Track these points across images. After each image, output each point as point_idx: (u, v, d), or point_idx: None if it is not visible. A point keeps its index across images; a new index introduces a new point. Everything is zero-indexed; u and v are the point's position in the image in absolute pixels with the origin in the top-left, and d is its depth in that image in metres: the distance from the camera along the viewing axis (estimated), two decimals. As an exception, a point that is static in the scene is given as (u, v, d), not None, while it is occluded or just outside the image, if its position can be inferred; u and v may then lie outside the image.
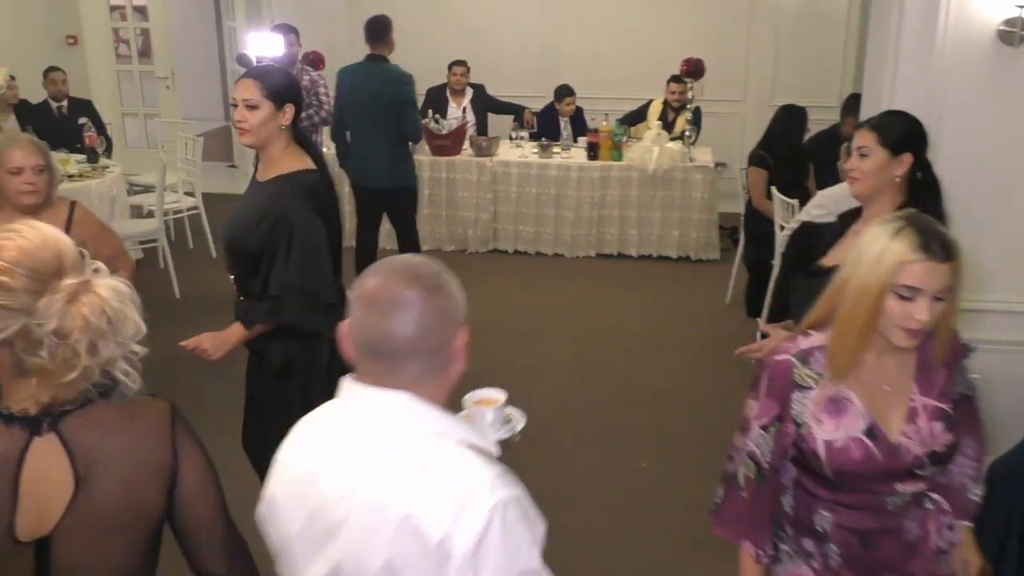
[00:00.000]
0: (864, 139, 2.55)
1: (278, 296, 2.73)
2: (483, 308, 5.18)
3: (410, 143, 5.81)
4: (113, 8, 9.04)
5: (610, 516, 3.78)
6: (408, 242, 5.92)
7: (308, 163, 2.82)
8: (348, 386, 1.42)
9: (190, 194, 7.21)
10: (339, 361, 1.59)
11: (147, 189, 7.22)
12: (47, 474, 1.43)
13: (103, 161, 6.47)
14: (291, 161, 2.79)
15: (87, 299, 1.40)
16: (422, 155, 7.03)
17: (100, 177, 6.10)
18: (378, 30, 5.59)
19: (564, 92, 7.71)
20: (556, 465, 4.09)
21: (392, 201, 5.74)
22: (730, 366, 3.80)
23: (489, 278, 6.67)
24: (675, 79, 7.35)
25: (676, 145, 7.05)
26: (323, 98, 6.07)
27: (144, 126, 9.38)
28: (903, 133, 2.55)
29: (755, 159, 5.75)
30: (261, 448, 3.00)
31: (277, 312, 2.75)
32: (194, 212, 7.13)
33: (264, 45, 6.11)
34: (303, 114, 2.78)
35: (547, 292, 6.53)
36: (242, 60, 6.36)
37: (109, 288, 1.43)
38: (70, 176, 5.96)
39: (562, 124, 7.78)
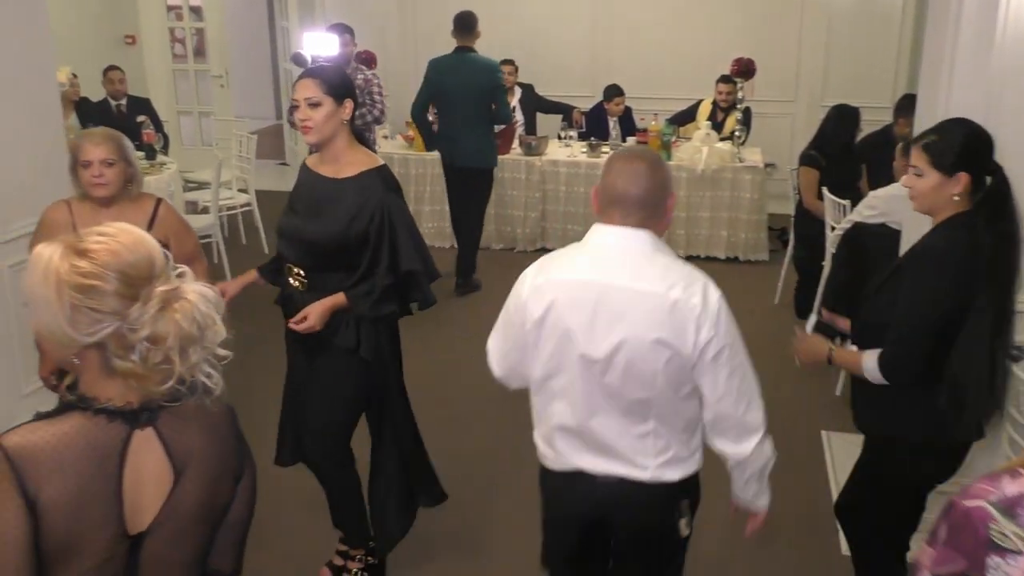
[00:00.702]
0: (917, 159, 2.42)
1: (396, 284, 2.85)
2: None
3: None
4: (170, 8, 9.24)
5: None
6: (475, 225, 6.43)
7: (378, 159, 2.94)
8: (598, 227, 2.13)
9: (243, 191, 7.33)
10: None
11: (202, 186, 7.36)
12: (146, 467, 1.46)
13: (160, 158, 6.62)
14: (363, 156, 2.90)
15: (179, 305, 1.41)
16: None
17: (158, 173, 6.22)
18: (467, 24, 6.17)
19: (613, 92, 7.70)
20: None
21: (476, 180, 6.30)
22: (778, 368, 3.78)
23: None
24: (724, 79, 7.32)
25: (725, 145, 7.02)
26: (376, 97, 6.14)
27: (199, 124, 9.53)
28: (957, 153, 2.38)
29: (806, 159, 5.70)
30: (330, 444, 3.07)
31: (403, 299, 2.90)
32: (247, 209, 7.25)
33: (320, 45, 6.21)
34: (356, 112, 2.89)
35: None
36: (297, 59, 6.46)
37: (198, 294, 1.45)
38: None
39: (611, 124, 7.77)
